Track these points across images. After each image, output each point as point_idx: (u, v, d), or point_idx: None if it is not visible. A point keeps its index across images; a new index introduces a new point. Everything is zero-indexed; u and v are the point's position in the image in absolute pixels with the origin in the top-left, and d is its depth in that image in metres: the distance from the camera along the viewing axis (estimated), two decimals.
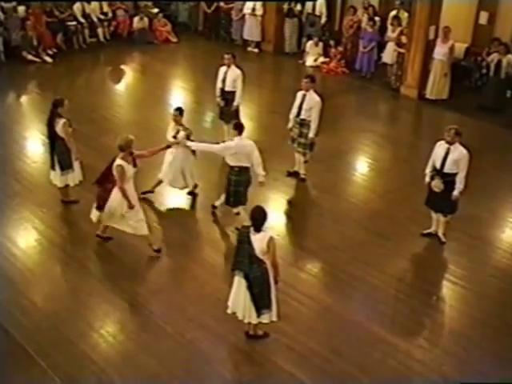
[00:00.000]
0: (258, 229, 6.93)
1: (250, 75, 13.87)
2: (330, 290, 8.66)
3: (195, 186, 10.51)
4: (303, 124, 10.76)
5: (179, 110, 9.97)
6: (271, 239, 6.95)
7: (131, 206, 8.60)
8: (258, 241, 6.93)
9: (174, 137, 9.71)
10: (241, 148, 9.11)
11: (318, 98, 10.67)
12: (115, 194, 8.60)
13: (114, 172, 8.44)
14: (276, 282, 7.24)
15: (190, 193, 10.52)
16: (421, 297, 8.53)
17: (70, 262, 8.96)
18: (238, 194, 9.41)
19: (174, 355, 7.36)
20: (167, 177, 10.14)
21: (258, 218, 6.93)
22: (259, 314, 7.20)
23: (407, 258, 9.44)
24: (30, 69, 16.55)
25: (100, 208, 8.79)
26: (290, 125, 10.95)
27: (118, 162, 8.42)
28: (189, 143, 9.49)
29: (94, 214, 8.94)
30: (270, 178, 11.16)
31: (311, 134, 10.73)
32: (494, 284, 8.88)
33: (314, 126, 10.70)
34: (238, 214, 9.62)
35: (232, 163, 9.25)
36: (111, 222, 8.88)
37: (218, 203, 9.99)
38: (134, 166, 8.61)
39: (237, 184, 9.35)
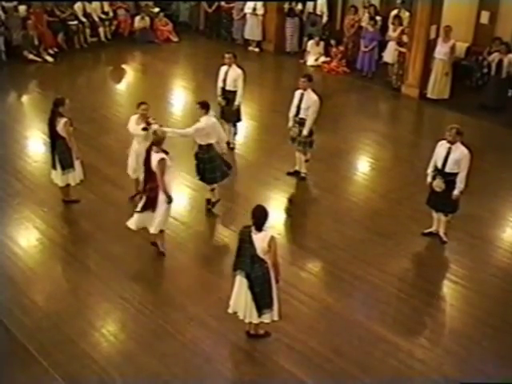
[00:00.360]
0: (260, 228, 6.93)
1: (251, 75, 13.87)
2: (330, 290, 8.65)
3: None
4: (302, 123, 10.73)
5: (146, 104, 9.80)
6: (272, 238, 6.94)
7: (170, 201, 8.62)
8: (260, 240, 6.92)
9: (145, 128, 9.51)
10: (210, 126, 9.56)
11: (315, 97, 10.65)
12: (162, 195, 8.57)
13: (159, 167, 8.39)
14: (277, 282, 7.23)
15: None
16: (422, 296, 8.52)
17: (71, 261, 8.97)
18: (214, 169, 9.79)
19: (175, 354, 7.36)
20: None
21: (260, 217, 6.92)
22: (260, 313, 7.19)
23: (408, 257, 9.44)
24: (31, 68, 16.56)
25: (145, 209, 8.67)
26: (290, 124, 10.94)
27: (160, 155, 8.42)
28: (165, 129, 9.39)
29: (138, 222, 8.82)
30: (271, 177, 11.21)
31: (305, 132, 10.71)
32: (495, 283, 8.87)
33: (308, 124, 10.67)
34: (213, 190, 10.04)
35: (202, 142, 9.68)
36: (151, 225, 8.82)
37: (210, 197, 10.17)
38: (167, 153, 8.65)
39: (211, 160, 9.76)
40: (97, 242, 9.27)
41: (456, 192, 9.07)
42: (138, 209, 8.74)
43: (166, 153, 8.59)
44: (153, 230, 8.78)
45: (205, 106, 9.60)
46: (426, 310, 8.36)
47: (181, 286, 8.55)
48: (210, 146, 9.69)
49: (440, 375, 7.27)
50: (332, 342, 7.64)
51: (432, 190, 9.31)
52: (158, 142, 8.50)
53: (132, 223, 8.82)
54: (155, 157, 8.43)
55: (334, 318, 8.08)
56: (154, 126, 9.43)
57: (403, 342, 7.69)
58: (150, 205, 8.64)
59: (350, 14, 17.21)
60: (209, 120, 9.56)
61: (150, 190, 8.62)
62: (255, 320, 7.31)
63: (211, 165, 9.75)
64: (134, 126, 9.64)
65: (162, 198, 8.57)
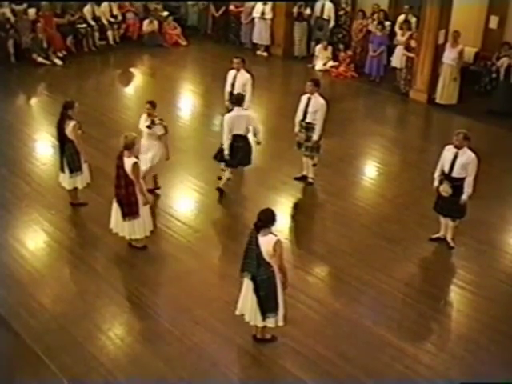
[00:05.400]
0: (258, 229, 6.89)
1: (260, 79, 13.89)
2: (337, 294, 8.64)
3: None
4: (309, 128, 10.72)
5: (151, 103, 10.06)
6: (277, 242, 6.89)
7: (146, 202, 8.73)
8: (265, 243, 6.89)
9: (149, 126, 9.84)
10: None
11: (322, 101, 10.63)
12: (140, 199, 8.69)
13: (134, 171, 8.46)
14: (285, 288, 7.19)
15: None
16: (429, 301, 8.50)
17: (78, 263, 8.99)
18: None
19: (181, 358, 7.36)
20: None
21: (262, 219, 6.88)
22: (264, 317, 7.18)
23: (415, 262, 9.42)
24: (40, 71, 16.64)
25: (126, 216, 8.73)
26: (296, 129, 10.91)
27: (133, 160, 8.46)
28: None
29: (122, 227, 8.92)
30: (279, 182, 11.22)
31: (315, 137, 10.69)
32: (503, 289, 8.85)
33: (318, 128, 10.65)
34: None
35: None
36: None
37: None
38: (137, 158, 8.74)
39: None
40: (104, 245, 9.29)
41: (464, 197, 9.05)
42: (121, 218, 8.79)
43: (137, 158, 8.69)
44: (142, 235, 8.94)
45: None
46: (433, 316, 8.34)
47: (188, 290, 8.55)
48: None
49: (446, 380, 7.24)
50: (338, 346, 7.62)
51: (439, 195, 9.29)
52: (127, 146, 8.48)
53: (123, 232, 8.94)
54: (128, 162, 8.48)
55: (340, 322, 8.07)
56: (157, 126, 9.80)
57: (409, 347, 7.67)
58: (136, 210, 8.69)
59: (359, 18, 17.21)
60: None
61: (127, 194, 8.64)
62: (259, 324, 7.29)
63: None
64: (142, 122, 9.95)
65: (140, 201, 8.69)
